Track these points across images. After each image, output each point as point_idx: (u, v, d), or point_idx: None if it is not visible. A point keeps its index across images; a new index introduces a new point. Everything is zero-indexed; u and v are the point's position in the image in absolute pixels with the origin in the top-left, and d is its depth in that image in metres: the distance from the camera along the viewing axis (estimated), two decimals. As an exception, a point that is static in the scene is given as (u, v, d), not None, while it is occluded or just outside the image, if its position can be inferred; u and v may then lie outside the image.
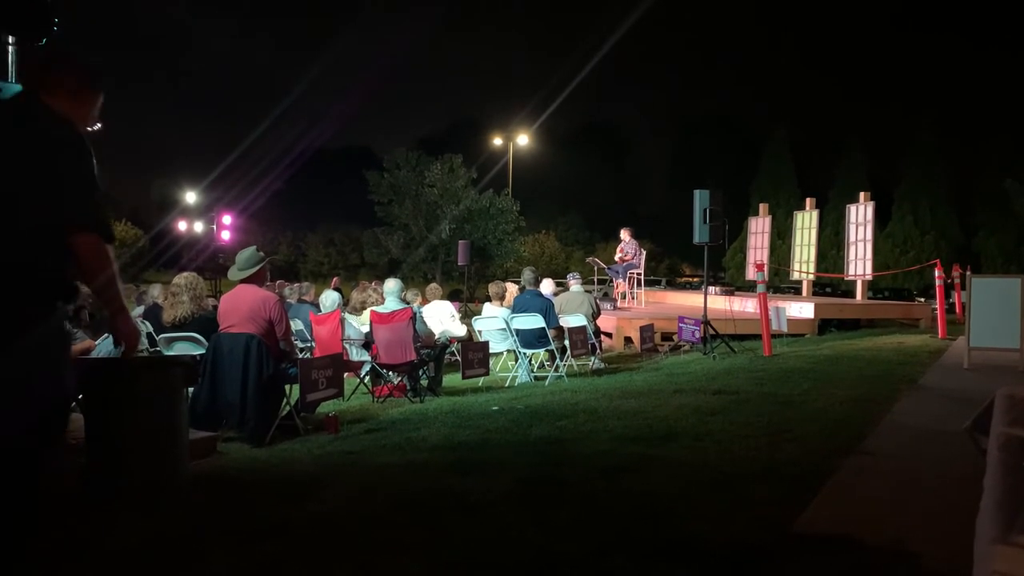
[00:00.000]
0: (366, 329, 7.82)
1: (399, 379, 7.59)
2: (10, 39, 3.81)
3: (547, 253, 46.91)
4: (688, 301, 15.99)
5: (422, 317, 8.69)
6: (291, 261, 54.59)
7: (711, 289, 13.85)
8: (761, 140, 45.16)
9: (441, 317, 9.39)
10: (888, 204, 36.09)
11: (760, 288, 10.07)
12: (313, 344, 8.16)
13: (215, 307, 6.20)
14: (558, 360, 8.53)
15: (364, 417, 6.18)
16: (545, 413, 5.71)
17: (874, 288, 26.30)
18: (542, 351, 8.71)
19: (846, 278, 16.86)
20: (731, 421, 5.13)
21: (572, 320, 9.04)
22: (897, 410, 5.53)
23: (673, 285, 34.47)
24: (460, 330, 9.60)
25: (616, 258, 14.74)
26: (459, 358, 8.18)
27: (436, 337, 8.75)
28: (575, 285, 10.25)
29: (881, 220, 30.15)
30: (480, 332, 9.03)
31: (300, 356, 6.40)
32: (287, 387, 5.68)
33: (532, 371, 8.74)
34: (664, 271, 47.22)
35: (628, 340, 11.65)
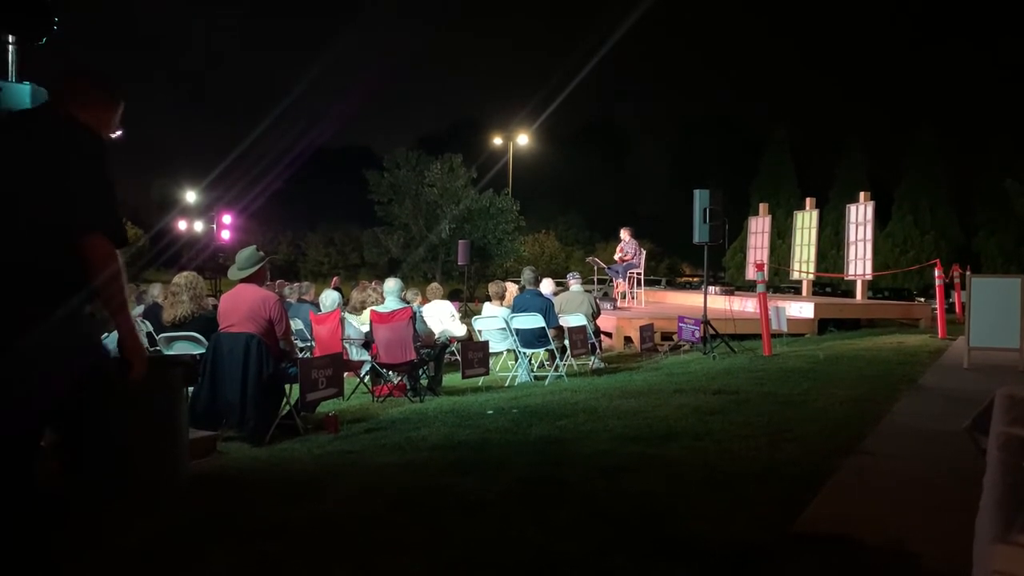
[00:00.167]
0: (366, 329, 7.82)
1: (399, 379, 7.59)
2: (10, 38, 3.81)
3: (547, 253, 46.89)
4: (688, 301, 15.99)
5: (422, 317, 8.69)
6: (291, 260, 54.57)
7: (711, 289, 13.85)
8: (761, 140, 45.16)
9: (441, 317, 9.39)
10: (888, 204, 36.08)
11: (760, 288, 10.08)
12: (313, 343, 8.16)
13: (215, 306, 6.20)
14: (558, 360, 8.53)
15: (364, 417, 6.18)
16: (545, 413, 5.71)
17: (874, 288, 26.29)
18: (542, 351, 8.71)
19: (846, 278, 16.86)
20: (731, 421, 5.13)
21: (572, 320, 9.04)
22: (897, 410, 5.53)
23: (673, 285, 34.46)
24: (460, 330, 9.59)
25: (616, 258, 14.73)
26: (459, 358, 8.18)
27: (436, 337, 8.75)
28: (575, 285, 10.25)
29: (881, 220, 30.15)
30: (480, 332, 9.03)
31: (300, 355, 6.40)
32: (287, 386, 5.68)
33: (532, 371, 8.74)
34: (664, 271, 47.21)
35: (628, 340, 11.65)
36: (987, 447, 2.14)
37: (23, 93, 3.65)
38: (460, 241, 25.06)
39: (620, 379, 7.85)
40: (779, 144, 42.46)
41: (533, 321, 8.38)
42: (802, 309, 12.77)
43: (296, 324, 8.35)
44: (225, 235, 21.27)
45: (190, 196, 39.54)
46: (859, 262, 15.26)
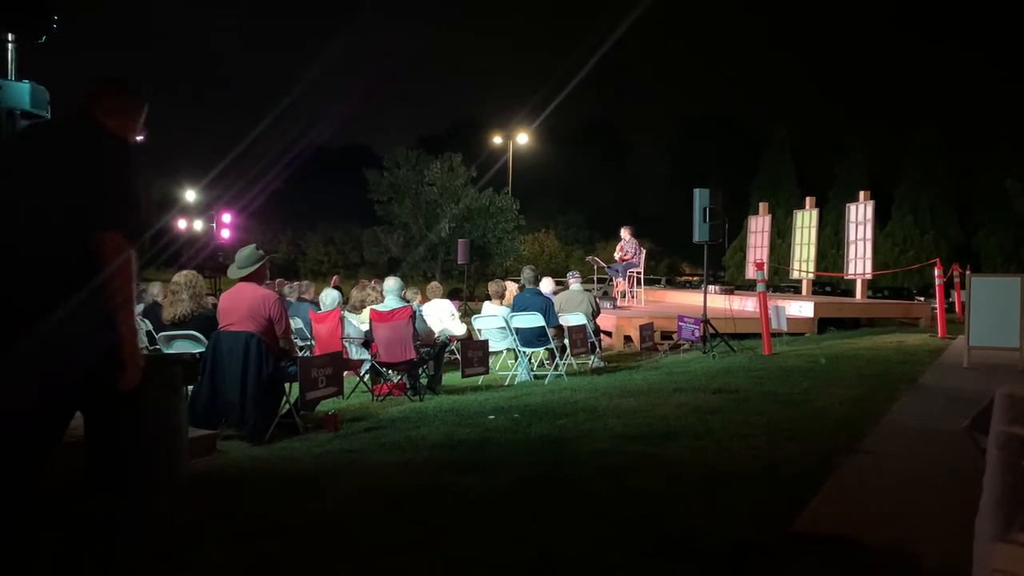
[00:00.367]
0: (366, 327, 7.81)
1: (399, 377, 7.59)
2: (10, 37, 3.80)
3: (547, 252, 46.85)
4: (688, 300, 15.98)
5: (422, 315, 8.69)
6: (291, 259, 54.51)
7: (711, 288, 13.84)
8: (761, 140, 45.16)
9: (441, 315, 9.38)
10: (888, 203, 36.09)
11: (760, 287, 10.08)
12: (313, 342, 8.16)
13: (215, 305, 6.20)
14: (558, 359, 8.53)
15: (363, 415, 6.17)
16: (544, 412, 5.71)
17: (873, 287, 26.31)
18: (542, 350, 8.71)
19: (846, 277, 16.87)
20: (731, 420, 5.13)
21: (572, 319, 9.04)
22: (897, 409, 5.53)
23: (673, 284, 34.44)
24: (460, 329, 9.59)
25: (616, 257, 14.73)
26: (459, 357, 8.18)
27: (436, 336, 8.74)
28: (575, 284, 10.25)
29: (881, 219, 30.15)
30: (480, 331, 9.03)
31: (300, 354, 6.39)
32: (287, 385, 5.67)
33: (532, 370, 8.74)
34: (664, 270, 47.18)
35: (628, 339, 11.65)
36: (987, 446, 2.14)
37: (22, 91, 3.64)
38: (460, 240, 25.06)
39: (620, 378, 7.85)
40: (779, 144, 42.47)
41: (533, 320, 8.38)
42: (802, 308, 12.77)
43: (296, 323, 8.34)
44: (225, 234, 21.28)
45: (190, 195, 39.48)
46: (859, 261, 15.26)
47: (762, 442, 4.48)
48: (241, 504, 3.58)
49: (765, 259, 17.17)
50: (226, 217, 21.62)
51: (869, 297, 17.25)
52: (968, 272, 9.42)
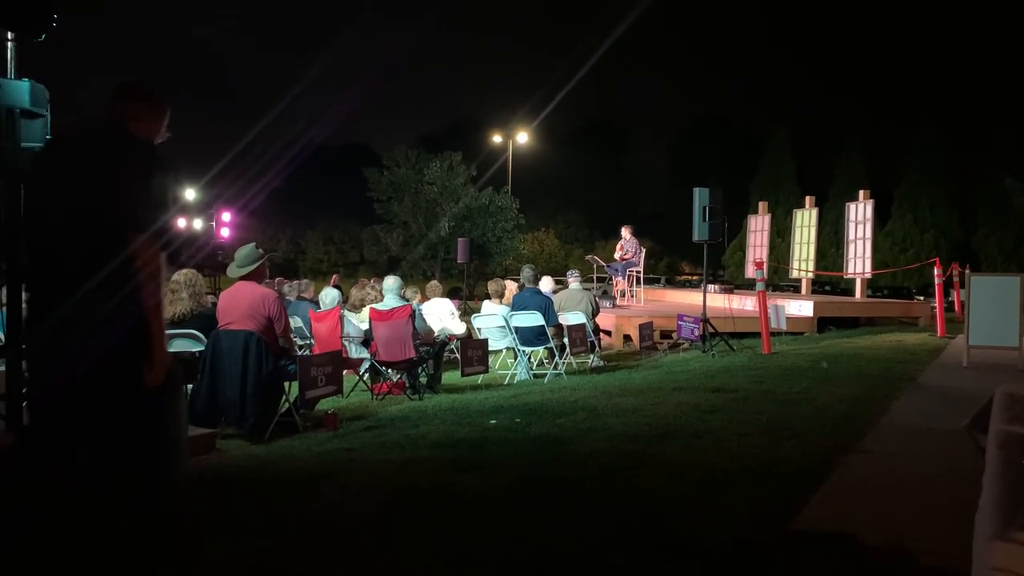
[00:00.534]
0: (365, 326, 7.81)
1: (398, 376, 7.59)
2: (9, 35, 3.80)
3: (546, 251, 46.84)
4: (687, 299, 15.99)
5: (421, 314, 8.68)
6: (290, 258, 54.50)
7: (710, 287, 13.85)
8: (761, 140, 45.15)
9: (440, 314, 9.38)
10: (888, 202, 36.12)
11: (759, 286, 10.08)
12: (312, 341, 8.15)
13: (214, 304, 6.20)
14: (557, 358, 8.53)
15: (363, 414, 6.17)
16: (544, 411, 5.71)
17: (873, 286, 26.30)
18: (541, 349, 8.71)
19: (845, 276, 16.88)
20: (730, 419, 5.13)
21: (571, 318, 9.04)
22: (896, 408, 5.53)
23: (672, 283, 34.45)
24: (459, 328, 9.58)
25: (616, 256, 14.73)
26: (458, 355, 8.18)
27: (435, 334, 8.74)
28: (574, 283, 10.25)
29: (881, 218, 30.16)
30: (479, 330, 9.02)
31: (299, 353, 6.39)
32: (286, 384, 5.67)
33: (531, 369, 8.74)
34: (663, 269, 47.19)
35: (627, 338, 11.65)
36: (986, 445, 2.14)
37: (22, 90, 3.63)
38: (459, 239, 25.06)
39: (619, 377, 7.84)
40: (779, 143, 42.48)
41: (532, 319, 8.38)
42: (801, 307, 12.77)
43: (295, 322, 8.34)
44: (224, 233, 21.28)
45: (189, 193, 39.48)
46: (858, 260, 15.26)
47: (762, 441, 4.48)
48: (240, 502, 3.57)
49: (765, 258, 17.17)
50: (226, 216, 21.62)
51: (869, 296, 17.25)
52: (968, 271, 9.42)
